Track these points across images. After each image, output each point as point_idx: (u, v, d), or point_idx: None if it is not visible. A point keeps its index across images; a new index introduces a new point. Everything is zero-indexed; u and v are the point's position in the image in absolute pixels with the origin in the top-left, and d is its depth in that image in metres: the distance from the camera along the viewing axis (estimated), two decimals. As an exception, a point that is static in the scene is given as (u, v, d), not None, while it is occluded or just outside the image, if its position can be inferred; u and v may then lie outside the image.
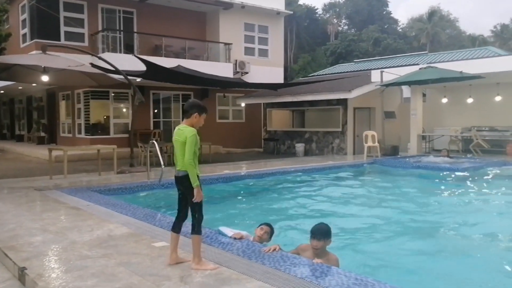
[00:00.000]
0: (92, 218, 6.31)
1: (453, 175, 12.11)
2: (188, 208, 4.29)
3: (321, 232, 4.47)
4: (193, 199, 4.11)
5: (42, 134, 23.70)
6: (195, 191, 4.09)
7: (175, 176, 4.30)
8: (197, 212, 4.18)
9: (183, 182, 4.20)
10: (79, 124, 20.10)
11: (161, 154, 10.52)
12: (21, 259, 4.44)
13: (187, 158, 4.07)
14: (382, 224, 7.21)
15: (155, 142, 10.57)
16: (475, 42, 53.47)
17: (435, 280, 4.79)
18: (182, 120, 4.35)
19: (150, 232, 5.45)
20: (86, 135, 19.50)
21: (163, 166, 9.87)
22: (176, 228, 4.35)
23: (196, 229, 4.16)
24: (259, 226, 5.31)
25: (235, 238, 5.08)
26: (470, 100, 17.48)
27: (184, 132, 4.17)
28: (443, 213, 8.23)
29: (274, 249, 4.54)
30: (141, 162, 14.04)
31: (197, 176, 4.14)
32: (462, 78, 14.12)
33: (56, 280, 3.87)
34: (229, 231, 5.29)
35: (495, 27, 62.52)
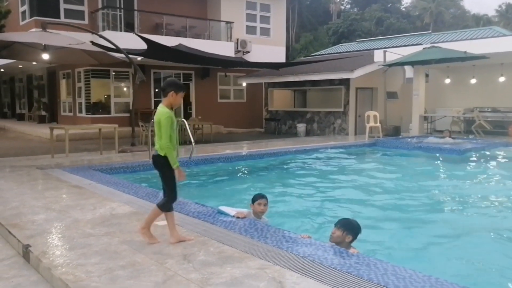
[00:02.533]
0: (94, 196, 6.33)
1: (454, 156, 12.10)
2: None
3: (344, 223, 4.37)
4: (177, 180, 4.19)
5: (43, 113, 23.66)
6: (176, 172, 4.16)
7: (152, 155, 4.36)
8: (171, 191, 4.24)
9: (156, 162, 4.28)
10: (80, 103, 20.04)
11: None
12: (25, 237, 4.46)
13: (163, 142, 4.12)
14: (383, 205, 7.23)
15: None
16: (480, 21, 52.86)
17: (438, 260, 4.81)
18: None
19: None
20: (87, 114, 19.47)
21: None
22: (168, 207, 4.37)
23: (165, 206, 4.24)
24: (255, 201, 5.17)
25: (238, 217, 5.08)
26: (473, 81, 17.36)
27: (160, 113, 4.18)
28: (444, 193, 8.25)
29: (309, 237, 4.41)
30: (142, 141, 14.03)
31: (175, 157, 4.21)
32: (466, 58, 13.99)
33: (60, 258, 3.89)
34: (230, 210, 5.29)
35: (500, 6, 61.68)
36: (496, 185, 9.08)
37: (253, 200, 5.22)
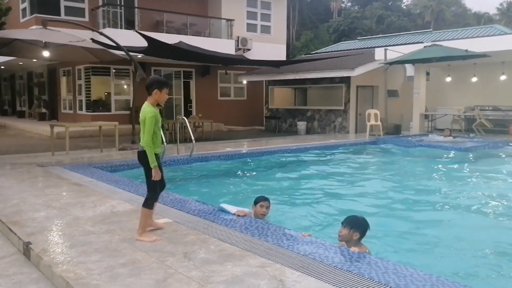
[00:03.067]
0: (94, 194, 6.33)
1: (455, 155, 12.10)
2: (162, 179, 4.49)
3: (349, 221, 4.31)
4: (152, 178, 4.31)
5: (43, 110, 23.64)
6: (152, 171, 4.28)
7: (137, 151, 4.45)
8: (151, 189, 4.40)
9: (140, 158, 4.37)
10: (80, 101, 20.02)
11: (163, 132, 10.51)
12: (25, 234, 4.46)
13: (145, 140, 4.21)
14: (383, 203, 7.23)
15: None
16: (481, 20, 52.80)
17: (439, 259, 4.82)
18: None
19: (153, 209, 5.44)
20: (87, 111, 19.45)
21: (165, 144, 9.86)
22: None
23: (147, 203, 4.37)
24: (257, 203, 5.20)
25: (238, 215, 5.08)
26: (474, 79, 17.33)
27: (144, 112, 4.26)
28: (444, 191, 8.25)
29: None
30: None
31: (156, 155, 4.31)
32: (467, 56, 13.97)
33: (60, 255, 3.89)
34: (231, 208, 5.28)
35: (501, 4, 61.57)
36: (497, 183, 9.07)
37: (256, 202, 5.23)
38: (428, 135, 15.20)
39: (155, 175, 4.27)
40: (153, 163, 4.24)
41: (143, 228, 4.36)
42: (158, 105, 4.33)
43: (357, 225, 4.28)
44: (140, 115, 4.28)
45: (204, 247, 4.05)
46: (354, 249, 4.07)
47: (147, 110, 4.24)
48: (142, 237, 4.30)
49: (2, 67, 25.26)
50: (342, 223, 4.37)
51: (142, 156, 4.30)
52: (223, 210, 5.28)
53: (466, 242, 5.35)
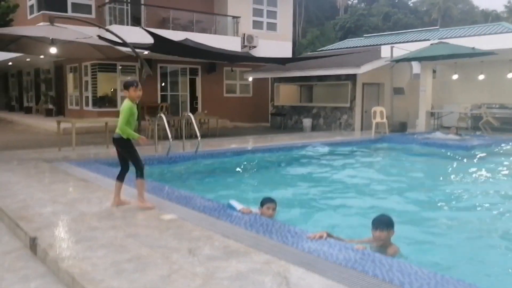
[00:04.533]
0: (100, 190, 6.37)
1: (461, 153, 12.04)
2: (126, 163, 5.55)
3: (384, 223, 4.29)
4: (143, 144, 5.63)
5: (50, 106, 23.76)
6: (140, 140, 5.46)
7: (112, 137, 5.50)
8: (136, 162, 5.41)
9: (118, 143, 5.44)
10: (87, 97, 20.11)
11: (169, 128, 10.53)
12: (32, 229, 4.50)
13: (120, 124, 5.26)
14: (388, 201, 7.21)
15: (163, 116, 10.57)
16: (488, 17, 52.37)
17: (444, 257, 4.81)
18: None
19: (158, 205, 5.49)
20: (93, 107, 19.53)
21: (170, 140, 9.90)
22: (120, 178, 5.52)
23: (139, 174, 5.34)
24: (263, 205, 5.23)
25: (243, 213, 5.10)
26: (481, 77, 17.21)
27: (123, 105, 5.35)
28: (450, 190, 8.22)
29: (321, 237, 4.18)
30: (149, 135, 14.05)
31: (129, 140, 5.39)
32: (474, 54, 13.88)
33: (66, 251, 3.92)
34: (238, 205, 5.31)
35: (509, 2, 61.00)
36: (503, 182, 9.03)
37: (262, 204, 5.25)
38: (435, 133, 15.12)
39: (142, 140, 5.49)
40: (134, 136, 5.33)
41: (142, 196, 5.33)
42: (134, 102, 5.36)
43: (390, 224, 4.32)
44: (121, 108, 5.36)
45: (209, 243, 4.06)
46: (358, 246, 4.05)
47: (126, 103, 5.35)
48: (143, 203, 5.29)
49: (10, 63, 25.39)
50: (375, 227, 4.31)
51: (118, 141, 5.39)
52: (231, 207, 5.31)
53: (471, 240, 5.34)
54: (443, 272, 3.49)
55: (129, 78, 5.76)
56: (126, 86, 5.40)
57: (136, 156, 5.41)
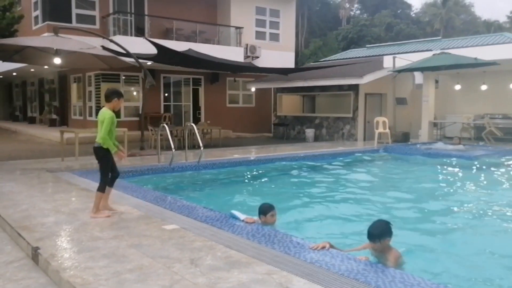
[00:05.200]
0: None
1: (464, 163, 12.00)
2: (114, 169, 5.70)
3: (375, 235, 4.22)
4: (120, 160, 5.80)
5: (54, 116, 23.86)
6: (117, 155, 5.64)
7: (93, 147, 5.59)
8: (103, 174, 5.54)
9: (96, 152, 5.54)
10: (90, 107, 20.19)
11: (172, 138, 10.56)
12: (34, 239, 4.50)
13: (102, 136, 5.32)
14: (391, 211, 7.18)
15: (166, 126, 10.59)
16: (490, 27, 52.50)
17: (447, 268, 4.78)
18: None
19: (161, 215, 5.49)
20: (96, 118, 19.58)
21: (173, 150, 9.92)
22: (109, 183, 5.65)
23: (100, 188, 5.47)
24: (267, 213, 5.28)
25: (246, 222, 5.10)
26: (484, 87, 17.22)
27: (104, 114, 5.40)
28: (453, 200, 8.19)
29: (324, 247, 4.18)
30: (152, 145, 14.09)
31: (114, 144, 5.53)
32: (476, 64, 13.90)
33: (68, 261, 3.92)
34: (240, 215, 5.32)
35: (511, 12, 61.31)
36: (507, 192, 8.99)
37: (265, 212, 5.30)
38: (437, 143, 15.09)
39: (120, 156, 5.68)
40: (113, 149, 5.47)
41: (97, 207, 5.43)
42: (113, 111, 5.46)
43: (382, 233, 4.23)
44: (100, 117, 5.43)
45: (211, 254, 4.05)
46: (361, 257, 4.04)
47: (107, 112, 5.42)
48: (96, 214, 5.37)
49: (14, 73, 25.57)
50: (369, 239, 4.27)
51: (98, 151, 5.49)
52: (234, 217, 5.32)
53: (475, 251, 5.30)
54: (446, 282, 3.47)
55: (110, 88, 5.84)
56: (116, 95, 5.49)
57: (107, 170, 5.56)
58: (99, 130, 5.40)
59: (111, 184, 5.70)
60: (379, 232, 4.24)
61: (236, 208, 5.98)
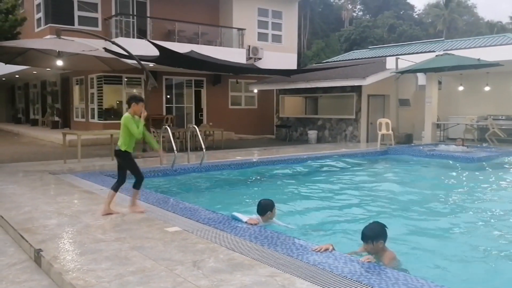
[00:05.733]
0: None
1: (467, 165, 11.96)
2: (124, 176, 5.80)
3: (368, 236, 4.26)
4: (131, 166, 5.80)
5: (56, 118, 23.91)
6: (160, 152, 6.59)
7: (114, 150, 5.82)
8: (136, 173, 5.76)
9: (117, 155, 5.78)
10: (92, 109, 20.23)
11: (174, 140, 10.56)
12: (37, 241, 4.50)
13: (138, 132, 5.59)
14: (394, 213, 7.16)
15: (168, 128, 10.60)
16: (493, 29, 52.41)
17: (451, 270, 4.75)
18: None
19: (163, 217, 5.48)
20: (99, 119, 19.63)
21: (175, 152, 9.91)
22: (115, 188, 5.76)
23: (137, 185, 5.75)
24: (272, 208, 5.51)
25: (250, 224, 5.10)
26: (487, 88, 17.17)
27: (125, 118, 5.68)
28: (456, 202, 8.15)
29: (327, 249, 4.17)
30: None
31: (129, 153, 5.76)
32: (479, 65, 13.87)
33: (71, 263, 3.91)
34: (242, 217, 5.32)
35: (514, 13, 61.10)
36: (510, 194, 8.95)
37: (271, 208, 5.52)
38: (440, 145, 15.05)
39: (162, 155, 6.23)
40: (155, 145, 6.19)
41: (135, 203, 5.78)
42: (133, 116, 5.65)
43: (376, 235, 4.25)
44: (122, 121, 5.67)
45: (213, 256, 4.04)
46: (364, 259, 4.01)
47: (124, 116, 5.70)
48: (136, 209, 5.71)
49: (17, 76, 25.64)
50: (362, 240, 4.31)
51: (118, 153, 5.72)
52: (235, 218, 5.32)
53: (479, 253, 5.28)
54: (450, 285, 3.45)
55: (130, 94, 5.94)
56: (129, 101, 5.74)
57: (136, 168, 5.77)
58: (121, 134, 5.69)
59: (116, 189, 5.78)
60: (373, 234, 4.27)
61: (238, 209, 5.97)
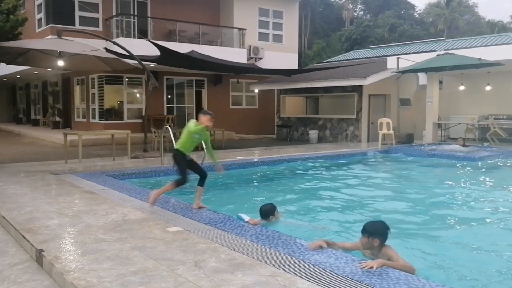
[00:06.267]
0: (106, 202, 6.37)
1: (469, 164, 11.95)
2: (202, 170, 6.24)
3: (367, 228, 4.26)
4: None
5: (57, 118, 23.94)
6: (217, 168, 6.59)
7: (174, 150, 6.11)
8: (180, 174, 5.97)
9: (173, 156, 6.08)
10: (93, 109, 20.24)
11: (175, 140, 10.55)
12: (38, 242, 4.50)
13: (182, 140, 6.02)
14: (395, 213, 7.16)
15: (169, 128, 10.60)
16: (494, 28, 52.35)
17: (452, 270, 4.75)
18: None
19: (164, 217, 5.48)
20: (100, 120, 19.65)
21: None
22: (200, 183, 6.15)
23: (177, 183, 5.95)
24: (274, 211, 5.55)
25: (251, 223, 5.13)
26: (488, 88, 17.16)
27: (191, 123, 6.07)
28: (457, 202, 8.14)
29: (320, 246, 4.23)
30: (155, 147, 14.11)
31: (184, 155, 6.06)
32: (480, 65, 13.85)
33: (72, 263, 3.92)
34: (245, 217, 5.37)
35: (515, 13, 61.04)
36: (510, 193, 8.94)
37: (273, 212, 5.57)
38: (442, 144, 15.04)
39: (218, 169, 6.52)
40: (216, 159, 6.59)
41: (157, 196, 6.01)
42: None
43: (374, 232, 4.25)
44: (188, 125, 6.08)
45: (214, 256, 4.04)
46: (369, 264, 3.94)
47: (189, 123, 6.12)
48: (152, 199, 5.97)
49: (18, 76, 25.67)
50: (361, 232, 4.34)
51: (175, 155, 6.03)
52: (239, 218, 5.39)
53: (480, 253, 5.27)
54: (451, 285, 3.45)
55: (206, 110, 6.54)
56: (202, 113, 6.06)
57: (183, 170, 5.98)
58: (181, 136, 6.10)
59: (201, 184, 6.14)
60: (372, 230, 4.27)
61: (240, 209, 5.98)
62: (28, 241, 4.57)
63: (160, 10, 20.08)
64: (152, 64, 16.11)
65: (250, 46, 21.55)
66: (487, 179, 10.53)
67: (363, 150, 14.76)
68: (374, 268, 3.70)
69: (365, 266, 3.74)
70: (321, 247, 4.23)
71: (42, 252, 4.18)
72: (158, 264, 3.85)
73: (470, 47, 18.80)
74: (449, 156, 12.86)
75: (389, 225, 4.41)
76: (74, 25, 17.88)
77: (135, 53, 12.32)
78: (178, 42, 18.84)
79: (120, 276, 3.58)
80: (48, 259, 4.01)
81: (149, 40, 14.55)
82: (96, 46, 10.42)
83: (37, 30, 19.86)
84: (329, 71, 18.84)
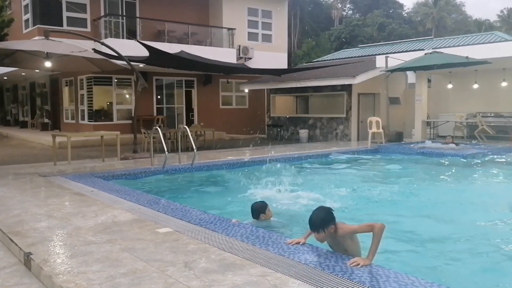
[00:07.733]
0: (96, 204, 6.33)
1: (457, 162, 12.06)
2: None
3: (316, 224, 4.04)
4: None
5: (46, 120, 23.73)
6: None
7: None
8: None
9: None
10: (82, 110, 20.11)
11: (165, 141, 10.52)
12: (26, 245, 4.46)
13: None
14: (384, 210, 7.20)
15: (159, 128, 10.56)
16: (481, 27, 52.89)
17: (441, 267, 4.79)
18: None
19: (154, 218, 5.46)
20: (89, 121, 19.52)
21: (166, 153, 9.89)
22: None
23: None
24: (265, 210, 5.58)
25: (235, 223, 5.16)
26: (475, 86, 17.34)
27: None
28: (446, 199, 8.21)
29: (298, 243, 4.30)
30: (145, 148, 14.04)
31: None
32: (468, 63, 13.98)
33: (61, 266, 3.88)
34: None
35: (501, 11, 61.79)
36: (499, 190, 9.03)
37: (263, 210, 5.61)
38: (430, 142, 15.16)
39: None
40: None
41: None
42: None
43: (324, 223, 4.01)
44: None
45: (205, 256, 4.03)
46: (356, 262, 3.93)
47: None
48: None
49: (5, 78, 25.42)
50: (312, 230, 4.12)
51: None
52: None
53: (469, 250, 5.32)
54: (440, 281, 3.47)
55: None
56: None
57: None
58: None
59: None
60: (321, 221, 4.02)
61: (231, 209, 5.98)
62: (16, 244, 4.52)
63: (149, 10, 20.00)
64: (141, 65, 16.04)
65: (239, 46, 21.54)
66: (475, 175, 10.63)
67: (353, 148, 14.81)
68: (360, 265, 3.72)
69: (353, 263, 3.76)
70: (298, 243, 4.29)
71: (31, 255, 4.14)
72: (148, 266, 3.83)
73: (458, 45, 18.97)
74: (438, 153, 12.96)
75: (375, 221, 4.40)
76: (62, 26, 17.74)
77: (123, 53, 12.25)
78: (167, 42, 18.77)
79: (109, 278, 3.55)
80: (37, 262, 3.97)
81: (137, 41, 14.50)
82: (84, 47, 10.36)
83: (24, 31, 19.67)
84: (318, 71, 18.90)
